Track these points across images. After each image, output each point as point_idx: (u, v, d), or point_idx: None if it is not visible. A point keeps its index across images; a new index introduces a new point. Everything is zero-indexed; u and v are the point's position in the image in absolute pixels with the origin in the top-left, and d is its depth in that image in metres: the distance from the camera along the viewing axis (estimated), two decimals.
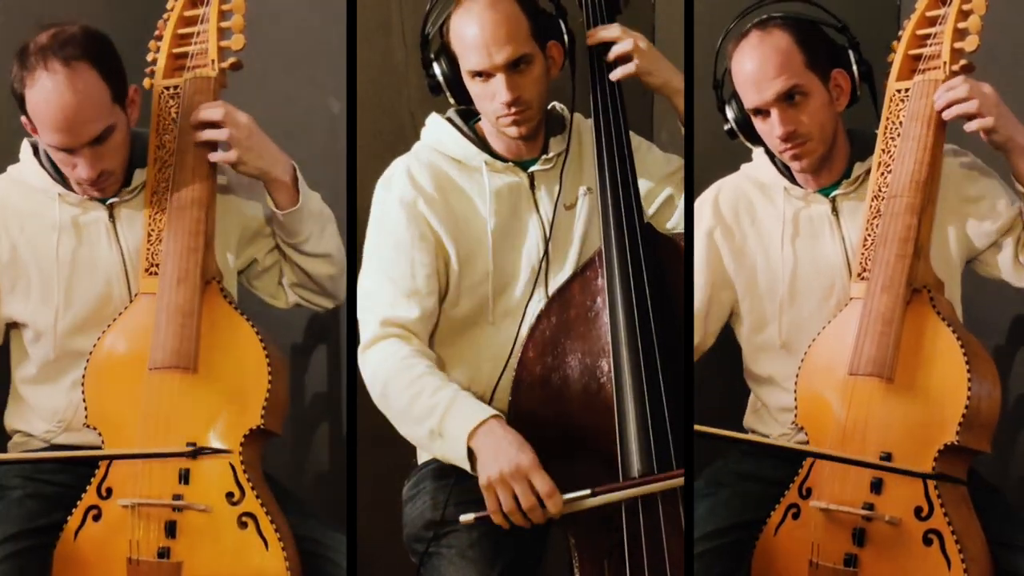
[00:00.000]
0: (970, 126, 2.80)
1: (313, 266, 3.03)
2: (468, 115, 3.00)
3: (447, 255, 2.92)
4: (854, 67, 2.93)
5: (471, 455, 2.73)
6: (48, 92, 2.78)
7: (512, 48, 2.84)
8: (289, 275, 3.06)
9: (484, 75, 2.87)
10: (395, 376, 2.81)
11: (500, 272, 2.93)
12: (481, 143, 2.97)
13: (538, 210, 2.96)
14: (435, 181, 2.93)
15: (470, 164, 2.96)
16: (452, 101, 2.97)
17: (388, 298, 2.88)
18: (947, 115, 2.81)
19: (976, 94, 2.78)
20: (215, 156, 2.89)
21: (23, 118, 2.85)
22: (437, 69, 2.94)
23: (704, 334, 3.04)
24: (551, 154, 2.97)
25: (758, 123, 2.93)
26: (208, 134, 2.88)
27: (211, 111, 2.87)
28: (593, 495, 2.68)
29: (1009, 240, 2.91)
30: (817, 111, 2.90)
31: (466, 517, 2.72)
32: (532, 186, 2.96)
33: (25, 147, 2.97)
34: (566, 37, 2.93)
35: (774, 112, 2.89)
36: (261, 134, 2.90)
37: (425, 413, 2.76)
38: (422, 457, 3.01)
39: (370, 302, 2.90)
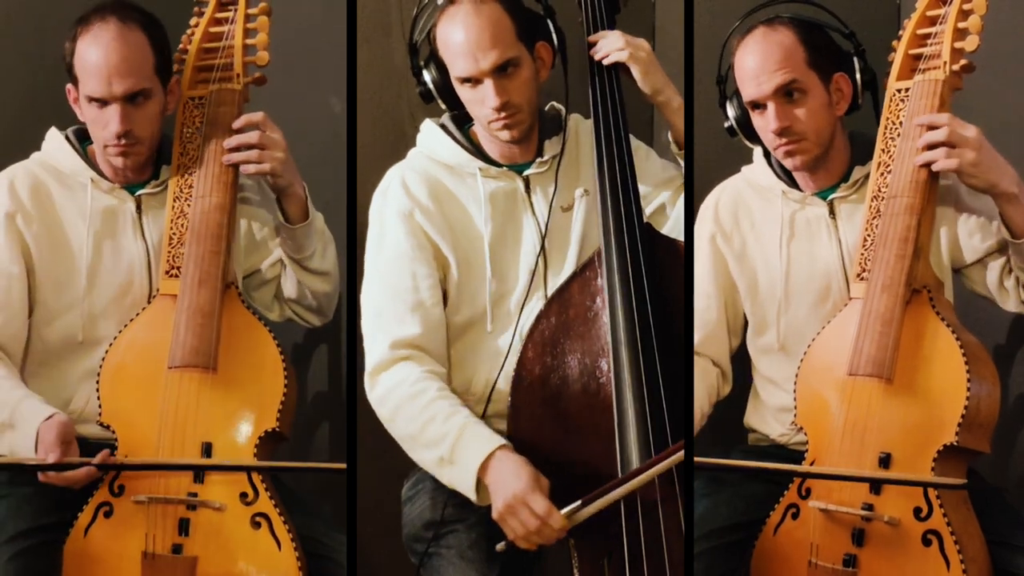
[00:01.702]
0: (936, 166, 2.78)
1: (313, 282, 3.08)
2: (462, 119, 3.00)
3: (446, 264, 2.92)
4: (857, 74, 2.92)
5: (480, 486, 2.75)
6: (97, 39, 2.88)
7: (498, 52, 2.84)
8: (288, 290, 3.10)
9: (472, 81, 2.87)
10: (406, 402, 2.82)
11: (499, 278, 2.93)
12: (475, 149, 2.97)
13: (534, 213, 2.96)
14: (430, 190, 2.93)
15: (464, 171, 2.96)
16: (444, 107, 2.98)
17: (394, 315, 2.88)
18: (918, 161, 2.80)
19: (956, 139, 2.76)
20: (252, 168, 2.94)
21: (68, 85, 2.93)
22: (427, 76, 2.95)
23: (728, 339, 3.05)
24: (546, 156, 2.97)
25: (755, 117, 2.93)
26: (240, 156, 2.93)
27: (250, 135, 2.93)
28: (584, 505, 2.69)
29: (996, 263, 2.90)
30: (815, 111, 2.89)
31: (500, 546, 2.74)
32: (527, 190, 2.96)
33: (54, 134, 3.02)
34: (555, 37, 2.93)
35: (770, 106, 2.89)
36: (287, 149, 2.96)
37: (436, 440, 2.78)
38: None
39: (376, 319, 2.90)
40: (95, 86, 2.87)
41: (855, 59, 2.93)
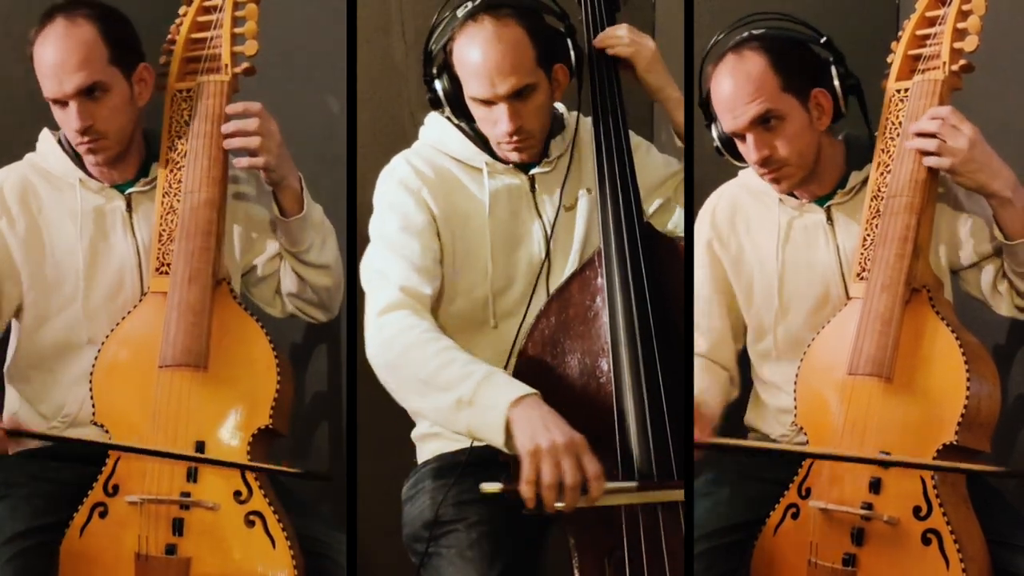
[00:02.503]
0: (927, 161, 2.78)
1: (313, 276, 3.04)
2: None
3: (444, 248, 2.92)
4: (836, 82, 2.89)
5: (506, 427, 2.63)
6: (46, 41, 2.87)
7: (516, 79, 2.83)
8: (287, 284, 3.07)
9: (486, 102, 2.86)
10: (419, 345, 2.74)
11: (499, 274, 2.93)
12: (482, 143, 2.97)
13: (539, 213, 2.96)
14: (437, 174, 2.93)
15: (471, 164, 2.96)
16: (452, 117, 2.96)
17: (403, 271, 2.84)
18: (909, 145, 2.80)
19: (947, 133, 2.75)
20: (245, 162, 2.91)
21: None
22: (439, 86, 2.93)
23: (733, 342, 3.05)
24: (552, 157, 2.97)
25: (739, 145, 2.91)
26: (240, 141, 2.90)
27: (248, 122, 2.89)
28: (639, 489, 2.65)
29: (991, 266, 2.90)
30: (795, 135, 2.87)
31: (490, 486, 2.62)
32: (532, 188, 2.96)
33: (46, 135, 3.00)
34: (573, 56, 2.91)
35: (749, 137, 2.87)
36: (283, 142, 2.93)
37: (456, 381, 2.67)
38: (422, 457, 3.01)
39: (382, 275, 2.85)
40: (49, 87, 2.86)
41: (832, 68, 2.90)
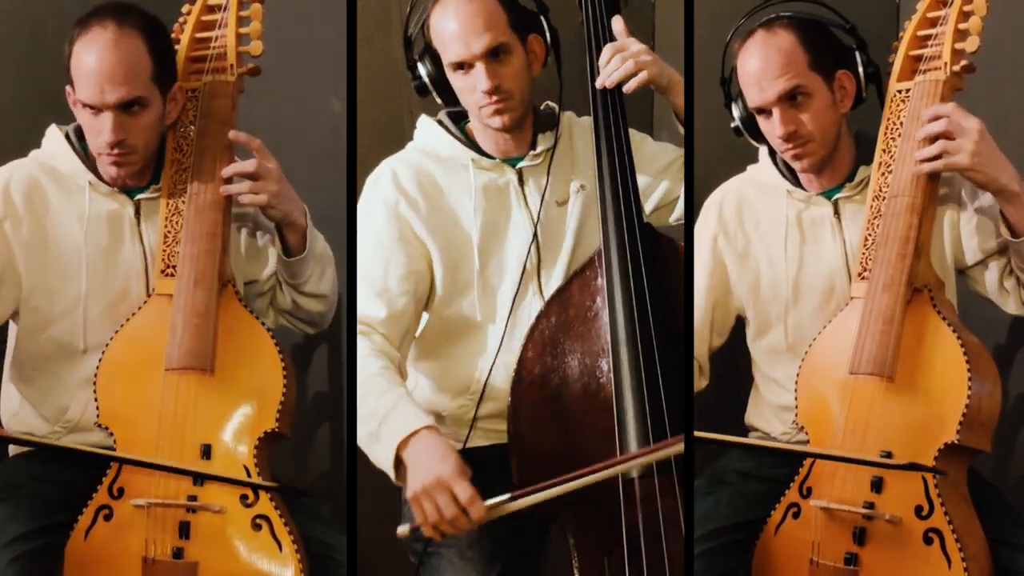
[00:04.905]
0: (939, 164, 2.79)
1: (307, 303, 3.05)
2: (459, 116, 3.01)
3: (430, 258, 2.92)
4: (860, 68, 2.92)
5: (400, 464, 2.72)
6: (93, 44, 2.81)
7: (490, 36, 2.86)
8: (281, 302, 3.07)
9: (465, 66, 2.89)
10: (362, 375, 2.82)
11: (489, 269, 2.94)
12: (469, 142, 2.98)
13: (527, 206, 2.97)
14: (419, 183, 2.94)
15: (457, 163, 2.97)
16: (439, 101, 2.99)
17: (361, 296, 2.88)
18: (919, 156, 2.81)
19: (955, 129, 2.76)
20: (246, 198, 2.89)
21: (67, 87, 2.86)
22: (422, 69, 2.96)
23: (710, 337, 3.05)
24: (539, 150, 2.98)
25: (761, 121, 2.93)
26: (237, 187, 2.88)
27: (247, 164, 2.88)
28: (511, 499, 2.67)
29: (996, 264, 2.91)
30: (819, 112, 2.90)
31: (401, 529, 2.74)
32: (520, 182, 2.97)
33: (54, 132, 2.96)
34: (548, 34, 2.95)
35: (776, 111, 2.89)
36: (285, 179, 2.92)
37: (368, 415, 2.77)
38: None
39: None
40: (88, 93, 2.81)
41: (857, 54, 2.93)
